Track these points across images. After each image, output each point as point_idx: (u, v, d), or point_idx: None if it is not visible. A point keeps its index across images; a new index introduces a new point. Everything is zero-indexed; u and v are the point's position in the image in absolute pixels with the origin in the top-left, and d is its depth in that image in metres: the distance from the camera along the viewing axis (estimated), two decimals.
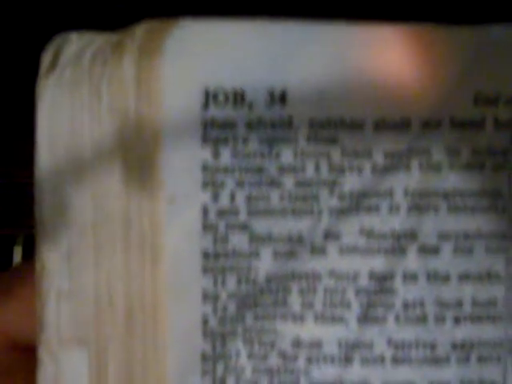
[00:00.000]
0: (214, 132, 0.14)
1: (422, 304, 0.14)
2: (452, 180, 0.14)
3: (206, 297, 0.14)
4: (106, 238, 0.14)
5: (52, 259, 0.14)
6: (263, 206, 0.14)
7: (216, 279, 0.14)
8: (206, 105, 0.14)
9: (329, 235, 0.14)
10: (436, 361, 0.14)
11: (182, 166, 0.14)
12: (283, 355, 0.14)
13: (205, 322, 0.14)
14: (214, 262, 0.14)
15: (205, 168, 0.14)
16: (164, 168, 0.14)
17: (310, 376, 0.14)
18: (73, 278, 0.14)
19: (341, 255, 0.14)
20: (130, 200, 0.14)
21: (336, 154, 0.14)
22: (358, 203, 0.14)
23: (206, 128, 0.14)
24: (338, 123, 0.14)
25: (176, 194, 0.14)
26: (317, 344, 0.14)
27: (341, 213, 0.14)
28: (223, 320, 0.14)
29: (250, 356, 0.14)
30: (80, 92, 0.14)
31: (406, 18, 0.14)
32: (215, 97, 0.14)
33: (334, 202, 0.14)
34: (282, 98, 0.14)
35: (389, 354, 0.14)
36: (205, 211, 0.14)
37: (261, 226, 0.14)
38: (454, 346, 0.14)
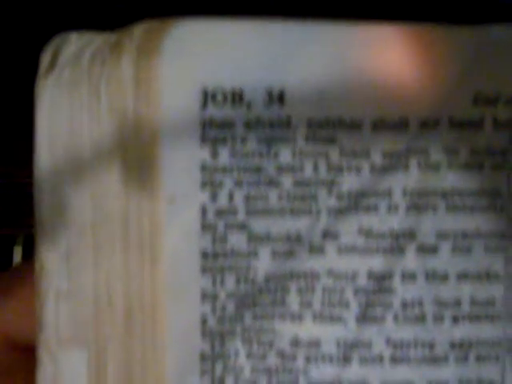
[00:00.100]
0: (212, 132, 0.14)
1: (420, 303, 0.14)
2: (450, 180, 0.14)
3: (204, 296, 0.14)
4: (105, 238, 0.14)
5: (51, 259, 0.14)
6: (262, 206, 0.14)
7: (215, 279, 0.14)
8: (204, 104, 0.14)
9: (327, 235, 0.14)
10: (434, 360, 0.14)
11: (180, 165, 0.14)
12: (282, 355, 0.14)
13: (204, 321, 0.14)
14: (213, 261, 0.14)
15: (203, 168, 0.14)
16: (163, 168, 0.14)
17: (309, 375, 0.14)
18: (72, 278, 0.14)
19: (339, 255, 0.14)
20: (129, 200, 0.14)
21: (334, 154, 0.14)
22: (356, 203, 0.14)
23: (205, 128, 0.14)
24: (336, 123, 0.14)
25: (175, 193, 0.14)
26: (315, 343, 0.14)
27: (339, 212, 0.14)
28: (222, 320, 0.14)
29: (249, 355, 0.14)
30: (79, 92, 0.14)
31: (406, 18, 0.14)
32: (214, 96, 0.14)
33: (333, 201, 0.14)
34: (281, 97, 0.14)
35: (387, 353, 0.14)
36: (203, 211, 0.14)
37: (259, 225, 0.14)
38: (453, 346, 0.14)
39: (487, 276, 0.14)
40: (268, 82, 0.14)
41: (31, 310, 0.14)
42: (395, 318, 0.14)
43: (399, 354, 0.14)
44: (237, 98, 0.14)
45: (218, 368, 0.14)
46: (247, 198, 0.14)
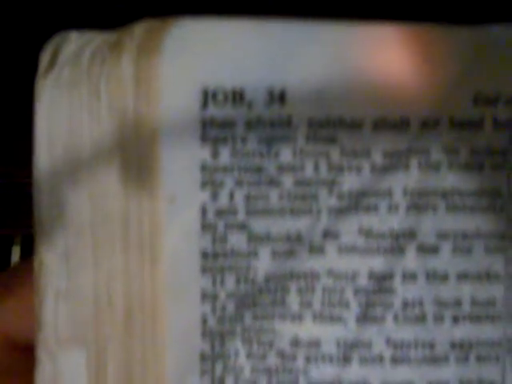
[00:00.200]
0: (213, 131, 0.14)
1: (420, 303, 0.14)
2: (451, 179, 0.14)
3: (204, 296, 0.14)
4: (105, 237, 0.14)
5: (50, 259, 0.14)
6: (262, 206, 0.14)
7: (215, 279, 0.14)
8: (204, 104, 0.14)
9: (328, 235, 0.14)
10: (435, 360, 0.14)
11: (181, 165, 0.14)
12: (282, 355, 0.14)
13: (204, 321, 0.14)
14: (213, 261, 0.14)
15: (204, 167, 0.14)
16: (163, 167, 0.14)
17: (309, 375, 0.14)
18: (71, 277, 0.14)
19: (339, 255, 0.14)
20: (129, 200, 0.14)
21: (335, 154, 0.14)
22: (356, 203, 0.14)
23: (205, 127, 0.14)
24: (337, 123, 0.14)
25: (175, 193, 0.14)
26: (315, 343, 0.14)
27: (340, 212, 0.14)
28: (222, 320, 0.14)
29: (249, 355, 0.14)
30: (79, 91, 0.14)
31: (406, 18, 0.14)
32: (214, 96, 0.14)
33: (333, 201, 0.14)
34: (281, 97, 0.14)
35: (388, 353, 0.14)
36: (204, 211, 0.14)
37: (259, 225, 0.14)
38: (453, 346, 0.14)
39: (487, 276, 0.14)
40: (269, 82, 0.14)
41: (30, 309, 0.14)
42: (395, 318, 0.14)
43: (399, 354, 0.14)
44: (237, 97, 0.14)
45: (218, 368, 0.14)
46: (247, 198, 0.14)
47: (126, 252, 0.14)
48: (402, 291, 0.14)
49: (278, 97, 0.14)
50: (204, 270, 0.14)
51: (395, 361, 0.14)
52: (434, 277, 0.14)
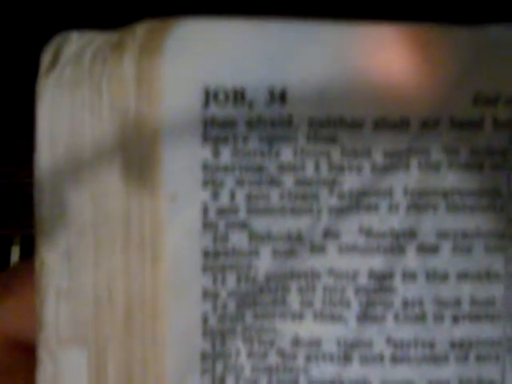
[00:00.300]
0: (214, 131, 0.14)
1: (420, 303, 0.14)
2: (451, 179, 0.14)
3: (205, 295, 0.14)
4: (106, 237, 0.14)
5: (51, 259, 0.14)
6: (263, 205, 0.14)
7: (216, 277, 0.14)
8: (206, 103, 0.14)
9: (328, 234, 0.14)
10: (435, 359, 0.14)
11: (182, 164, 0.14)
12: (282, 354, 0.14)
13: (204, 320, 0.14)
14: (214, 260, 0.14)
15: (205, 167, 0.14)
16: (164, 167, 0.14)
17: (309, 374, 0.14)
18: (72, 277, 0.14)
19: (340, 254, 0.14)
20: (131, 199, 0.14)
21: (336, 153, 0.14)
22: (357, 202, 0.14)
23: (207, 127, 0.14)
24: (337, 122, 0.14)
25: (177, 192, 0.14)
26: (316, 342, 0.14)
27: (340, 212, 0.14)
28: (223, 318, 0.14)
29: (250, 354, 0.14)
30: (80, 91, 0.14)
31: (406, 18, 0.14)
32: (215, 95, 0.14)
33: (334, 200, 0.14)
34: (282, 96, 0.14)
35: (388, 352, 0.14)
36: (205, 210, 0.14)
37: (260, 224, 0.14)
38: (453, 345, 0.14)
39: (487, 276, 0.14)
40: (270, 81, 0.14)
41: (30, 309, 0.14)
42: (396, 317, 0.14)
43: (400, 353, 0.14)
44: (238, 97, 0.14)
45: (219, 367, 0.14)
46: (248, 197, 0.14)
47: (127, 251, 0.14)
48: (403, 290, 0.14)
49: (279, 96, 0.14)
50: (205, 269, 0.14)
51: (395, 360, 0.14)
52: (434, 276, 0.14)
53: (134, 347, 0.14)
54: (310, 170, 0.14)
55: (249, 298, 0.14)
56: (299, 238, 0.14)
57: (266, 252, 0.14)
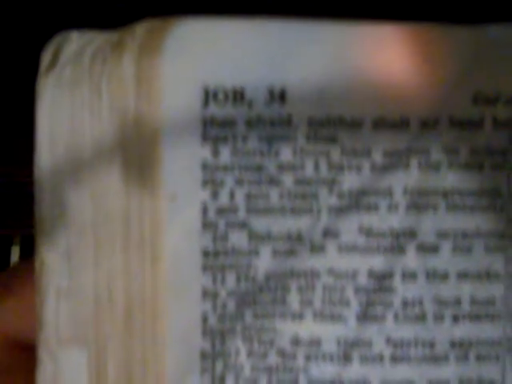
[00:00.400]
0: (213, 130, 0.14)
1: (420, 302, 0.14)
2: (451, 179, 0.14)
3: (205, 295, 0.14)
4: (106, 236, 0.14)
5: (51, 258, 0.14)
6: (262, 204, 0.14)
7: (215, 277, 0.14)
8: (205, 103, 0.14)
9: (328, 233, 0.14)
10: (435, 359, 0.14)
11: (181, 164, 0.14)
12: (282, 353, 0.14)
13: (204, 319, 0.14)
14: (214, 259, 0.14)
15: (204, 166, 0.14)
16: (164, 166, 0.14)
17: (309, 374, 0.14)
18: (72, 277, 0.14)
19: (340, 253, 0.14)
20: (130, 198, 0.14)
21: (335, 153, 0.14)
22: (357, 202, 0.14)
23: (206, 126, 0.14)
24: (337, 122, 0.14)
25: (176, 192, 0.14)
26: (316, 342, 0.14)
27: (340, 211, 0.14)
28: (222, 318, 0.14)
29: (250, 354, 0.14)
30: (80, 91, 0.14)
31: (406, 18, 0.14)
32: (215, 95, 0.14)
33: (333, 200, 0.14)
34: (282, 96, 0.14)
35: (388, 352, 0.14)
36: (204, 209, 0.14)
37: (260, 224, 0.14)
38: (453, 345, 0.14)
39: (487, 275, 0.14)
40: (269, 81, 0.14)
41: (30, 309, 0.14)
42: (395, 317, 0.14)
43: (399, 353, 0.14)
44: (238, 96, 0.14)
45: (219, 366, 0.14)
46: (248, 197, 0.14)
47: (127, 251, 0.14)
48: (402, 290, 0.14)
49: (279, 96, 0.14)
50: (205, 269, 0.14)
51: (395, 360, 0.14)
52: (434, 276, 0.14)
53: (134, 346, 0.14)
54: (309, 170, 0.14)
55: (248, 298, 0.14)
56: (299, 237, 0.14)
57: (265, 251, 0.14)
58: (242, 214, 0.14)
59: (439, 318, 0.14)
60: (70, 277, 0.14)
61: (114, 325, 0.14)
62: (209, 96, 0.14)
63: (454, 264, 0.14)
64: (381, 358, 0.14)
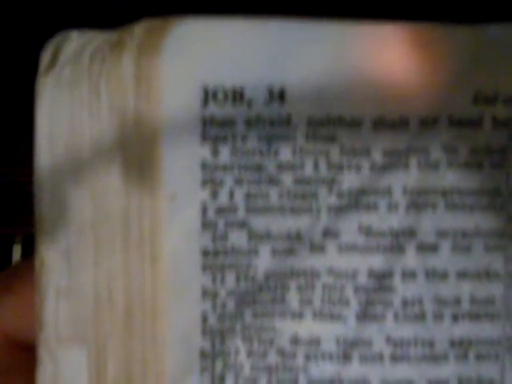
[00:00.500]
0: (213, 130, 0.14)
1: (420, 302, 0.14)
2: (450, 178, 0.14)
3: (205, 294, 0.14)
4: (106, 236, 0.14)
5: (51, 257, 0.14)
6: (262, 204, 0.14)
7: (215, 276, 0.14)
8: (205, 103, 0.14)
9: (327, 233, 0.14)
10: (434, 358, 0.14)
11: (181, 163, 0.14)
12: (282, 352, 0.14)
13: (204, 319, 0.14)
14: (213, 259, 0.14)
15: (204, 166, 0.14)
16: (164, 166, 0.14)
17: (309, 373, 0.14)
18: (72, 276, 0.14)
19: (339, 253, 0.14)
20: (130, 198, 0.14)
21: (335, 152, 0.14)
22: (356, 201, 0.14)
23: (205, 126, 0.14)
24: (336, 121, 0.14)
25: (176, 191, 0.14)
26: (315, 341, 0.14)
27: (339, 211, 0.14)
28: (222, 317, 0.14)
29: (249, 353, 0.14)
30: (79, 90, 0.14)
31: (406, 18, 0.14)
32: (214, 95, 0.14)
33: (333, 199, 0.14)
34: (281, 95, 0.14)
35: (387, 351, 0.14)
36: (204, 209, 0.14)
37: (260, 223, 0.14)
38: (452, 344, 0.14)
39: (487, 274, 0.14)
40: (269, 80, 0.14)
41: (30, 308, 0.14)
42: (395, 316, 0.14)
43: (399, 352, 0.14)
44: (237, 96, 0.14)
45: (218, 366, 0.14)
46: (247, 196, 0.14)
47: (127, 250, 0.14)
48: (402, 289, 0.14)
49: (278, 95, 0.14)
50: (204, 268, 0.14)
51: (395, 359, 0.14)
52: (433, 275, 0.14)
53: (134, 346, 0.14)
54: (309, 169, 0.14)
55: (248, 297, 0.14)
56: (298, 236, 0.14)
57: (265, 251, 0.14)
58: (241, 213, 0.14)
59: (439, 317, 0.14)
60: (69, 276, 0.14)
61: (114, 324, 0.14)
62: (208, 96, 0.14)
63: (454, 263, 0.14)
64: (380, 357, 0.14)
